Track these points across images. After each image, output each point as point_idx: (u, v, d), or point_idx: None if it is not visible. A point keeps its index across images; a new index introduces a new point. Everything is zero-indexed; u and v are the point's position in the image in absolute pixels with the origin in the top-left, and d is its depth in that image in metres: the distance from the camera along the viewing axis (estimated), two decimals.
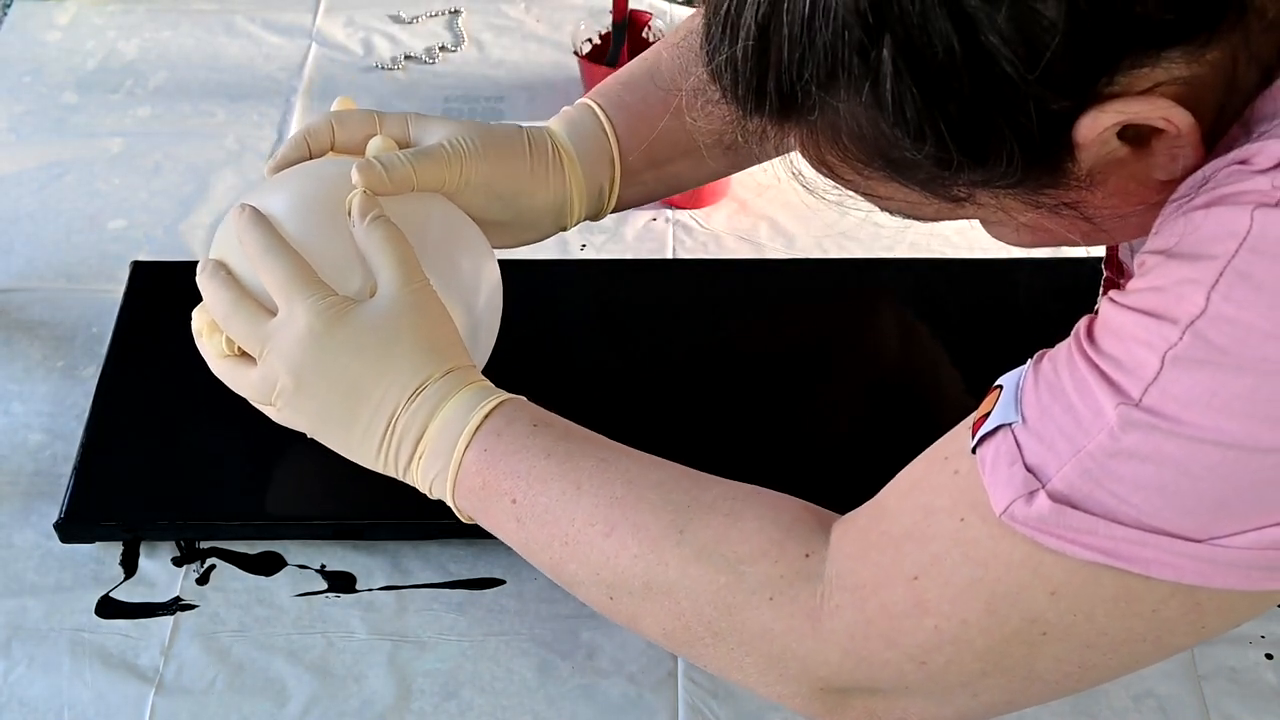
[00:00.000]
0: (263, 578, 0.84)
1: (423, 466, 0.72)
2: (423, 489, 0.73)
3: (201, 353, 0.77)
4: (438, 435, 0.71)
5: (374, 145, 0.79)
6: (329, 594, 0.84)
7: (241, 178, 1.12)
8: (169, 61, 1.24)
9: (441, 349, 0.72)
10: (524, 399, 0.73)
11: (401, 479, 0.74)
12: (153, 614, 0.83)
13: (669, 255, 1.05)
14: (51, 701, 0.78)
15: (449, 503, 0.72)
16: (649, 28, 1.17)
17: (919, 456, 0.62)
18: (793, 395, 0.91)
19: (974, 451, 0.57)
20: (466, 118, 1.15)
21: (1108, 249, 0.79)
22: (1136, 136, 0.51)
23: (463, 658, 0.81)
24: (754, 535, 0.64)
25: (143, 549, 0.86)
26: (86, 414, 0.89)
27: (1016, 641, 0.57)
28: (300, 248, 0.73)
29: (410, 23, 1.28)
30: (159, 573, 0.85)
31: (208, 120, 1.18)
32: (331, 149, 0.80)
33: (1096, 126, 0.50)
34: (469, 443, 0.70)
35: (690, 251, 1.06)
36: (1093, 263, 1.03)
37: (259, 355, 0.73)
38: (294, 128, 1.16)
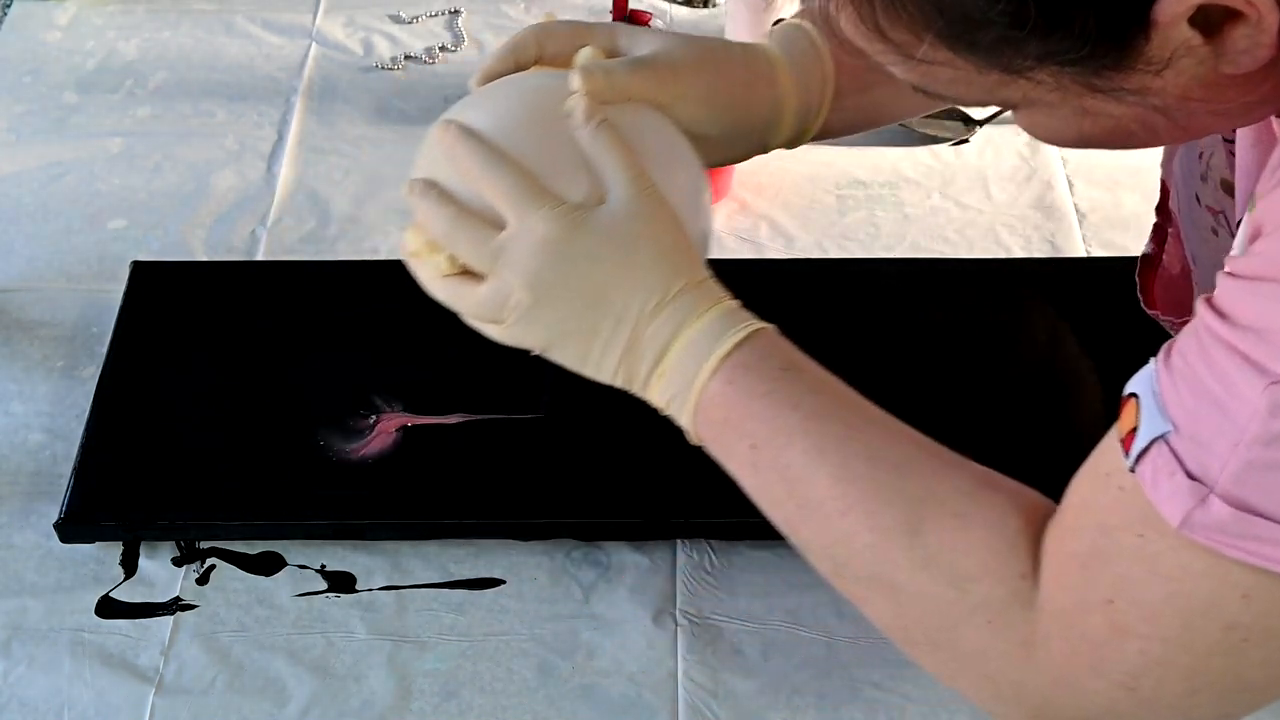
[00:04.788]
0: (263, 578, 0.84)
1: (663, 385, 0.68)
2: (657, 404, 0.70)
3: (416, 275, 0.72)
4: (683, 355, 0.67)
5: (584, 55, 0.74)
6: (329, 594, 0.84)
7: (241, 177, 1.12)
8: (169, 61, 1.24)
9: (684, 258, 0.69)
10: (774, 329, 0.69)
11: (636, 393, 0.70)
12: (153, 614, 0.83)
13: None
14: (51, 701, 0.78)
15: (684, 425, 0.69)
16: (649, 28, 1.17)
17: (1080, 472, 0.61)
18: None
19: (1132, 470, 0.55)
20: None
21: (1161, 195, 0.78)
22: (1211, 24, 0.50)
23: (463, 658, 0.81)
24: (980, 548, 0.62)
25: (143, 549, 0.86)
26: (86, 414, 0.89)
27: (1219, 653, 0.55)
28: (518, 159, 0.68)
29: (410, 23, 1.28)
30: (159, 573, 0.85)
31: (208, 120, 1.18)
32: (537, 63, 0.76)
33: (1179, 5, 0.49)
34: (715, 370, 0.66)
35: None
36: (1092, 263, 1.03)
37: (489, 270, 0.68)
38: (294, 127, 1.16)
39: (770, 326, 0.68)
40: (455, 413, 0.90)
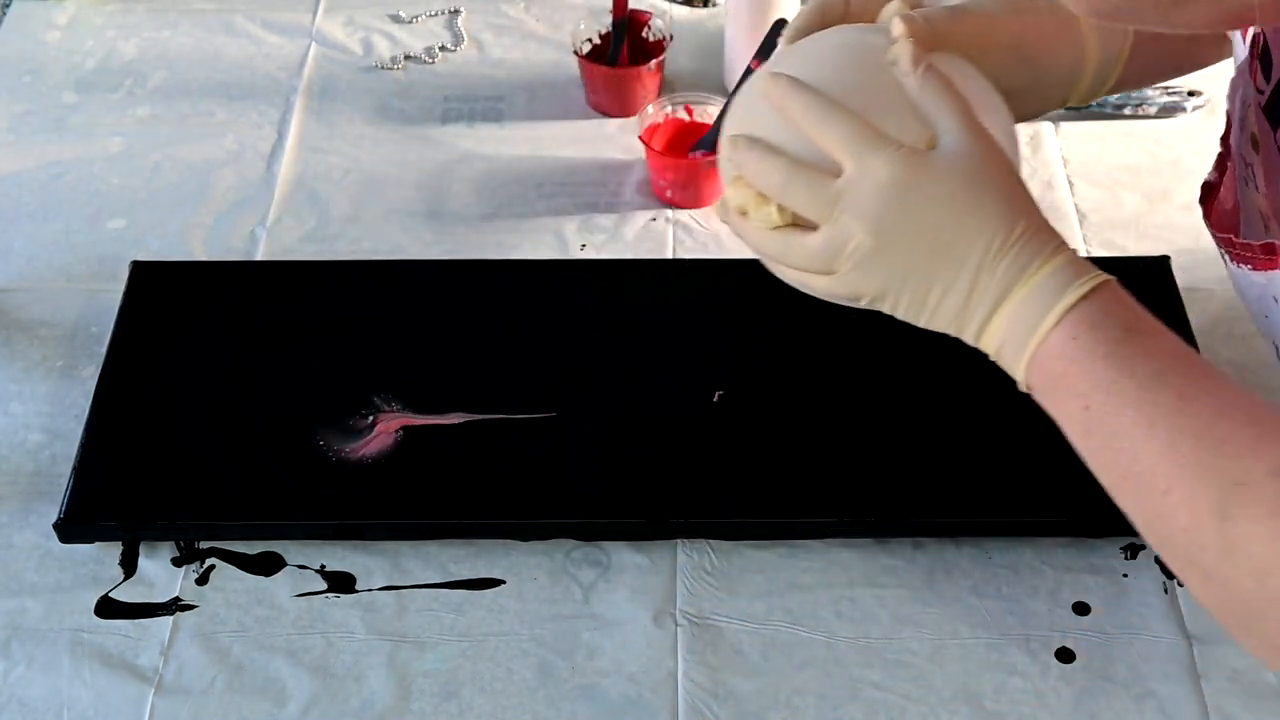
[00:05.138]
0: (263, 578, 0.84)
1: (998, 329, 0.67)
2: (988, 351, 0.68)
3: (738, 232, 0.72)
4: (1025, 300, 0.66)
5: (891, 9, 0.73)
6: (329, 594, 0.84)
7: (241, 177, 1.12)
8: (169, 61, 1.24)
9: (1025, 200, 0.67)
10: (1116, 282, 0.67)
11: (967, 340, 0.69)
12: (152, 614, 0.83)
13: (669, 255, 1.05)
14: (51, 701, 0.78)
15: (1014, 372, 0.68)
16: (649, 27, 1.17)
17: None
18: (792, 395, 0.91)
19: None
20: (465, 118, 1.17)
21: (1225, 126, 0.77)
22: None
23: (463, 658, 0.81)
24: (1277, 540, 0.61)
25: (142, 549, 0.86)
26: (86, 414, 0.89)
27: None
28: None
29: (410, 22, 1.28)
30: (159, 573, 0.85)
31: (208, 120, 1.18)
32: (843, 19, 0.76)
33: None
34: (1059, 320, 0.65)
35: (690, 251, 1.06)
36: (1091, 263, 1.03)
37: (828, 218, 0.67)
38: (294, 127, 1.16)
39: (1112, 279, 0.67)
40: (455, 412, 0.90)
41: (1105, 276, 0.66)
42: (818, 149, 0.68)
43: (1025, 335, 0.66)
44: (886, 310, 0.69)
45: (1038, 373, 0.67)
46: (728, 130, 0.73)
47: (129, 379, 0.92)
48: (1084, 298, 0.65)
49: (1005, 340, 0.67)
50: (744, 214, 0.71)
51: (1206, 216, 0.81)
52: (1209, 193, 0.80)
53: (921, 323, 0.69)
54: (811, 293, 0.71)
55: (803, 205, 0.68)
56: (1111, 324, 0.65)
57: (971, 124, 0.67)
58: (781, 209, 0.69)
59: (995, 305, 0.66)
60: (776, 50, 0.76)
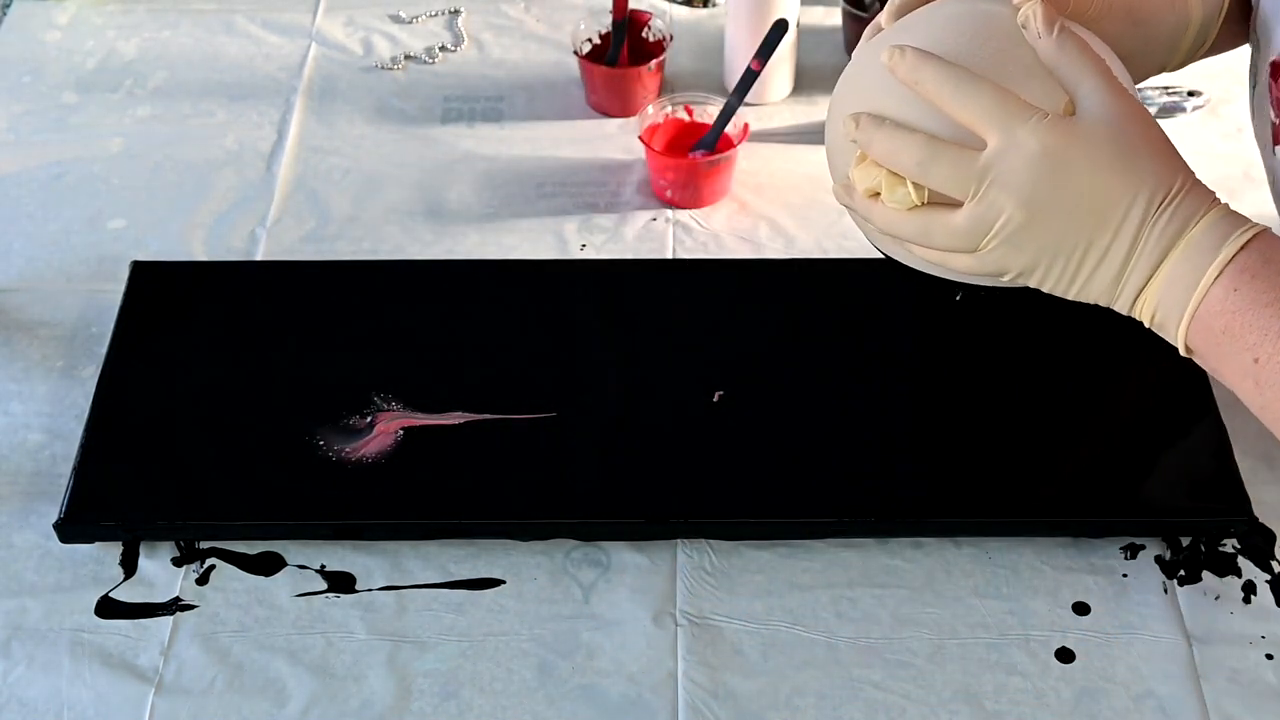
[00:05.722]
0: (263, 578, 0.84)
1: (1154, 292, 0.64)
2: (1143, 318, 0.66)
3: (865, 215, 0.68)
4: (1183, 258, 0.63)
5: None
6: (329, 594, 0.84)
7: (241, 177, 1.12)
8: (169, 61, 1.24)
9: (1175, 155, 0.65)
10: (1270, 230, 0.64)
11: (1119, 309, 0.66)
12: (152, 614, 0.83)
13: (669, 255, 1.05)
14: (51, 701, 0.78)
15: (1173, 337, 0.65)
16: (649, 27, 1.17)
17: None
18: (792, 395, 0.91)
19: None
20: (465, 118, 1.17)
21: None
22: None
23: (463, 658, 0.81)
24: None
25: (143, 549, 0.86)
26: (86, 414, 0.89)
27: None
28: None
29: (410, 23, 1.28)
30: (159, 573, 0.85)
31: (208, 120, 1.18)
32: None
33: None
34: (1218, 275, 0.62)
35: (690, 251, 1.06)
36: None
37: (974, 193, 0.64)
38: (294, 127, 1.16)
39: (1267, 228, 0.64)
40: (455, 412, 0.90)
41: (1260, 225, 0.64)
42: (951, 122, 0.64)
43: (1185, 293, 0.63)
44: (1033, 285, 0.67)
45: (1200, 332, 0.64)
46: (843, 109, 0.68)
47: (129, 379, 0.92)
48: (1243, 248, 0.63)
49: (1161, 302, 0.64)
50: (873, 196, 0.67)
51: None
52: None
53: (1071, 295, 0.66)
54: (947, 274, 0.69)
55: (945, 183, 0.64)
56: (1273, 271, 0.62)
57: (1113, 84, 0.64)
58: (918, 188, 0.65)
59: (1154, 266, 0.64)
60: (879, 28, 0.71)
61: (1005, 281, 0.67)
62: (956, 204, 0.65)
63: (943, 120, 0.64)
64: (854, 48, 0.74)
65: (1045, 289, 0.66)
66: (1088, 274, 0.65)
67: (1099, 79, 0.64)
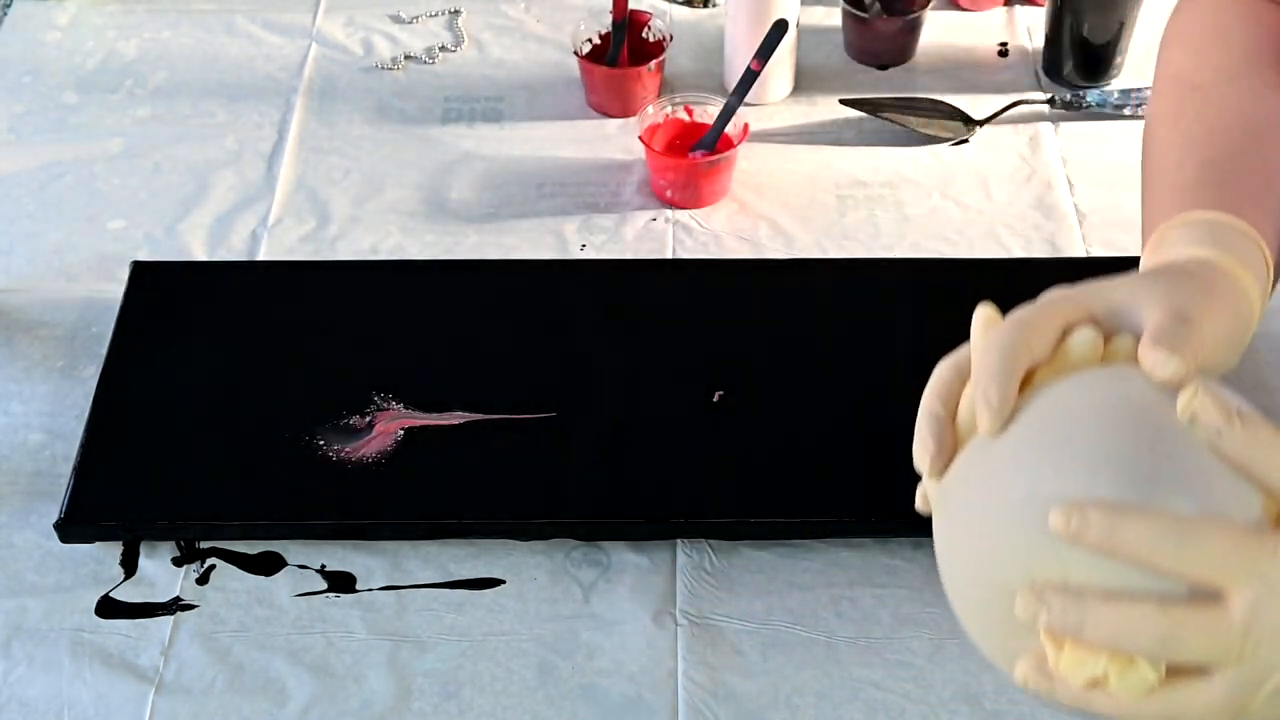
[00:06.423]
0: (263, 578, 0.84)
1: None
2: None
3: (1090, 710, 0.55)
4: None
5: (1085, 337, 0.59)
6: (329, 594, 0.84)
7: (241, 177, 1.12)
8: (169, 61, 1.24)
9: None
10: None
11: None
12: (153, 614, 0.83)
13: (669, 255, 1.05)
14: (51, 701, 0.78)
15: None
16: (649, 27, 1.17)
17: None
18: (792, 395, 0.91)
19: None
20: (465, 118, 1.17)
21: None
22: None
23: (463, 658, 0.81)
24: None
25: (143, 549, 0.86)
26: (86, 414, 0.90)
27: None
28: (1163, 503, 0.52)
29: (410, 23, 1.28)
30: (159, 573, 0.85)
31: (208, 120, 1.18)
32: (1033, 364, 0.60)
33: None
34: None
35: (690, 251, 1.06)
36: (1092, 263, 1.03)
37: (1231, 659, 0.52)
38: (294, 127, 1.16)
39: None
40: (455, 412, 0.90)
41: None
42: (1168, 576, 0.52)
43: None
44: None
45: None
46: (981, 574, 0.56)
47: (129, 379, 0.92)
48: None
49: None
50: (1095, 684, 0.54)
51: None
52: None
53: None
54: None
55: (1199, 653, 0.52)
56: None
57: None
58: (1154, 664, 0.52)
59: None
60: (980, 444, 0.57)
61: None
62: (1203, 672, 0.53)
63: (1142, 572, 0.52)
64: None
65: None
66: None
67: None
